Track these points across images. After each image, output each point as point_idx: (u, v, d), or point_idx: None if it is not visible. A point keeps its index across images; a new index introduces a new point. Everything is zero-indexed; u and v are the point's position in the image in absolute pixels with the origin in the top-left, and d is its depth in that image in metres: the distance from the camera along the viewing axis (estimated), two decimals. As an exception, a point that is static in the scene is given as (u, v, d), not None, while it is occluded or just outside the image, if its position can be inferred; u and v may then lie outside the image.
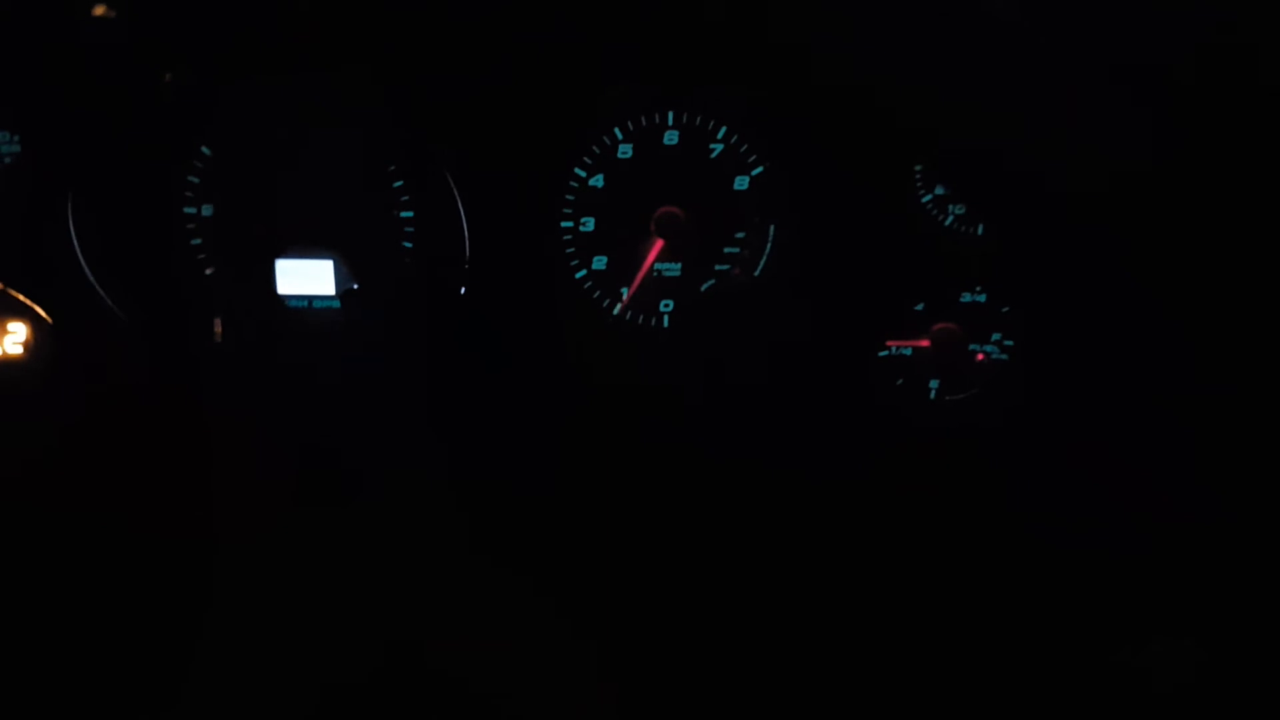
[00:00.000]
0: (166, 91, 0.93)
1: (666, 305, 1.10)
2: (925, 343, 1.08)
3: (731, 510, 1.06)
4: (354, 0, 0.93)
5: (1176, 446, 0.96)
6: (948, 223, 1.03)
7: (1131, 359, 0.99)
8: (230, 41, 0.95)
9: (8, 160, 0.97)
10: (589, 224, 1.07)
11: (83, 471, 1.00)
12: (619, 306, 1.09)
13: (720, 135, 1.04)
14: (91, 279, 0.98)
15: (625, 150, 1.04)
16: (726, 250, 1.08)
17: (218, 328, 1.02)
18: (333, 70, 0.97)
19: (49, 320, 1.00)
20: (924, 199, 1.03)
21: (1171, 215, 0.81)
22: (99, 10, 0.83)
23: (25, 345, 1.01)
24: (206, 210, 1.04)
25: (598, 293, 1.09)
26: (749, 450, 1.07)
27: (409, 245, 1.06)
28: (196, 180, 1.03)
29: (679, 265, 1.08)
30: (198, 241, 1.05)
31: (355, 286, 1.06)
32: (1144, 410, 0.99)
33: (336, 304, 1.07)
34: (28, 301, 0.99)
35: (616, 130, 1.03)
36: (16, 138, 0.96)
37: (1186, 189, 0.80)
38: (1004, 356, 1.08)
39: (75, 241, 0.98)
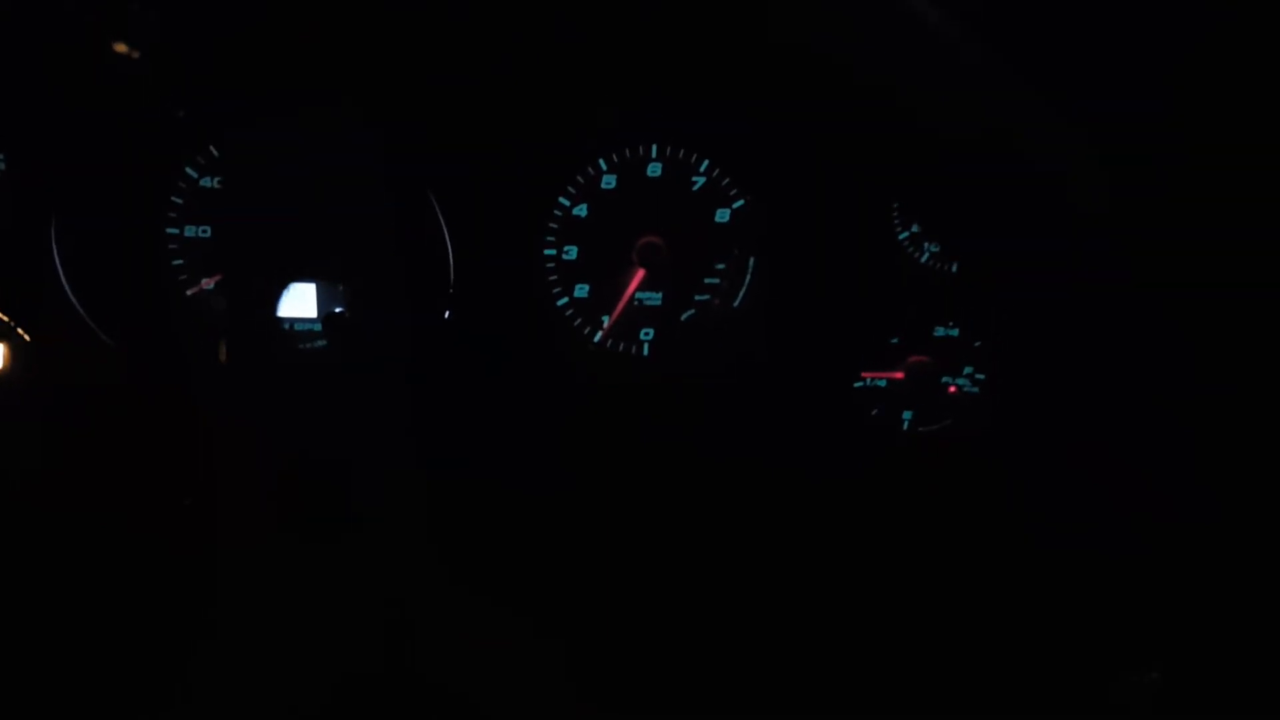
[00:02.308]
0: (178, 126, 0.93)
1: (647, 333, 1.12)
2: (900, 375, 1.10)
3: (714, 523, 1.08)
4: (344, 32, 0.94)
5: (1176, 447, 0.98)
6: (923, 260, 1.06)
7: (1123, 366, 1.00)
8: (231, 77, 0.95)
9: (-8, 178, 0.97)
10: (572, 252, 1.08)
11: (61, 490, 1.00)
12: (600, 334, 1.11)
13: (702, 169, 1.06)
14: (74, 300, 0.98)
15: (609, 181, 1.06)
16: (706, 281, 1.09)
17: (222, 350, 1.02)
18: (326, 102, 0.98)
19: (27, 339, 1.00)
20: (901, 236, 1.06)
21: (1167, 216, 0.82)
22: (120, 47, 0.84)
23: (4, 362, 1.00)
24: (190, 231, 1.04)
25: (579, 320, 1.11)
26: (728, 461, 1.08)
27: (394, 270, 1.06)
28: (180, 201, 1.03)
29: (660, 295, 1.10)
30: (179, 262, 1.05)
31: (338, 310, 1.06)
32: (1140, 414, 1.00)
33: (318, 327, 1.08)
34: (5, 319, 0.99)
35: (601, 161, 1.05)
36: (2, 156, 0.96)
37: (1184, 188, 0.82)
38: (975, 389, 1.11)
39: (58, 262, 0.97)
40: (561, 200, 1.06)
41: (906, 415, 1.12)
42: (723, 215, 1.07)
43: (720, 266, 1.09)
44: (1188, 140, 0.81)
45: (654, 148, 1.05)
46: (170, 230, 1.04)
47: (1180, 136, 0.81)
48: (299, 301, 1.07)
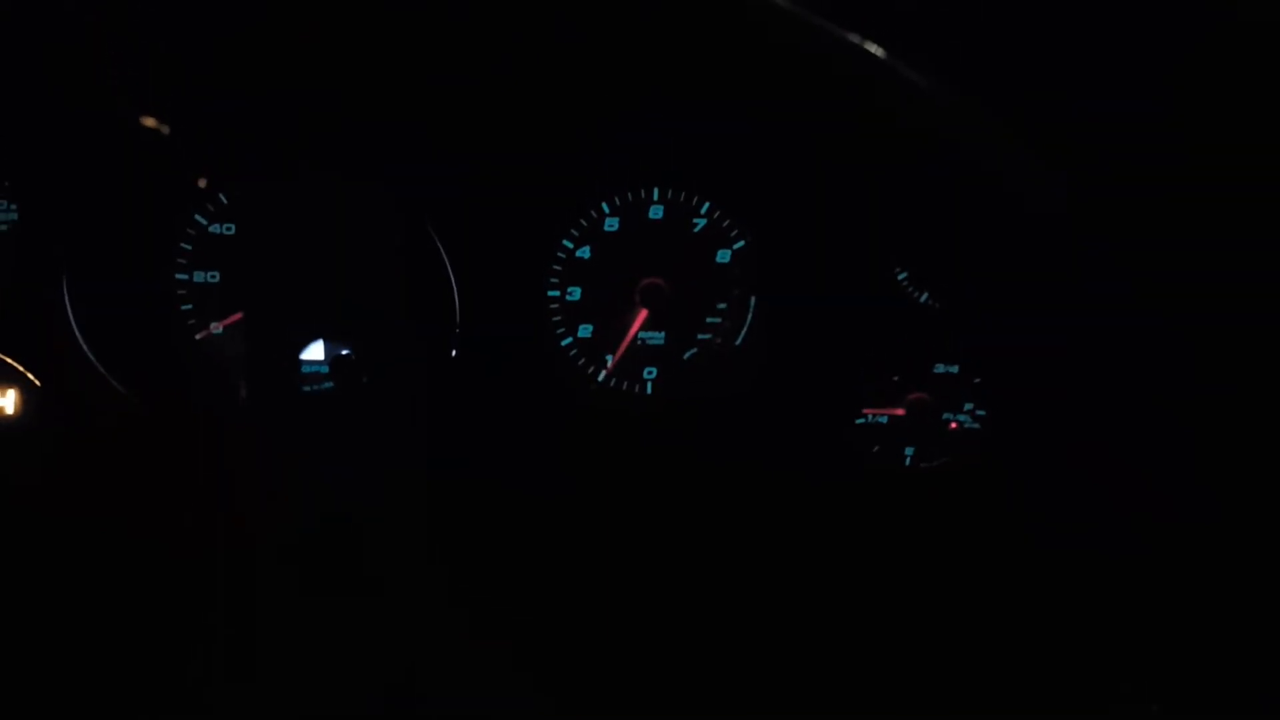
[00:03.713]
0: (199, 192, 0.95)
1: (650, 372, 1.13)
2: (901, 411, 1.11)
3: (718, 557, 1.09)
4: (346, 59, 0.95)
5: (1176, 448, 0.98)
6: (922, 298, 1.07)
7: (1122, 377, 1.00)
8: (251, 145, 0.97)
9: (4, 228, 0.98)
10: (575, 293, 1.09)
11: (70, 534, 1.01)
12: (603, 373, 1.12)
13: (703, 211, 1.07)
14: (85, 348, 0.99)
15: (612, 224, 1.07)
16: (708, 320, 1.11)
17: (242, 391, 1.04)
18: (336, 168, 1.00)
19: (37, 384, 1.01)
20: (900, 276, 1.07)
21: (1164, 221, 0.83)
22: (149, 122, 0.85)
23: (15, 407, 1.01)
24: (199, 277, 1.06)
25: (583, 360, 1.12)
26: (731, 496, 1.09)
27: (400, 312, 1.08)
28: (189, 248, 1.05)
29: (662, 334, 1.11)
30: (188, 307, 1.06)
31: (345, 352, 1.08)
32: (1141, 415, 1.00)
33: (325, 369, 1.09)
34: (17, 366, 1.00)
35: (604, 204, 1.07)
36: (14, 206, 0.98)
37: (1181, 192, 0.82)
38: (976, 425, 1.12)
39: (69, 308, 0.99)
40: (565, 243, 1.07)
41: (908, 451, 1.13)
42: (724, 256, 1.09)
43: (722, 306, 1.10)
44: (1187, 143, 0.82)
45: (655, 190, 1.06)
46: (179, 276, 1.05)
47: (1179, 139, 0.82)
48: (307, 344, 1.08)
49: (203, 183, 0.96)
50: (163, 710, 1.00)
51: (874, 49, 0.65)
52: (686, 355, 1.12)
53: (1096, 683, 1.03)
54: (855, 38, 0.65)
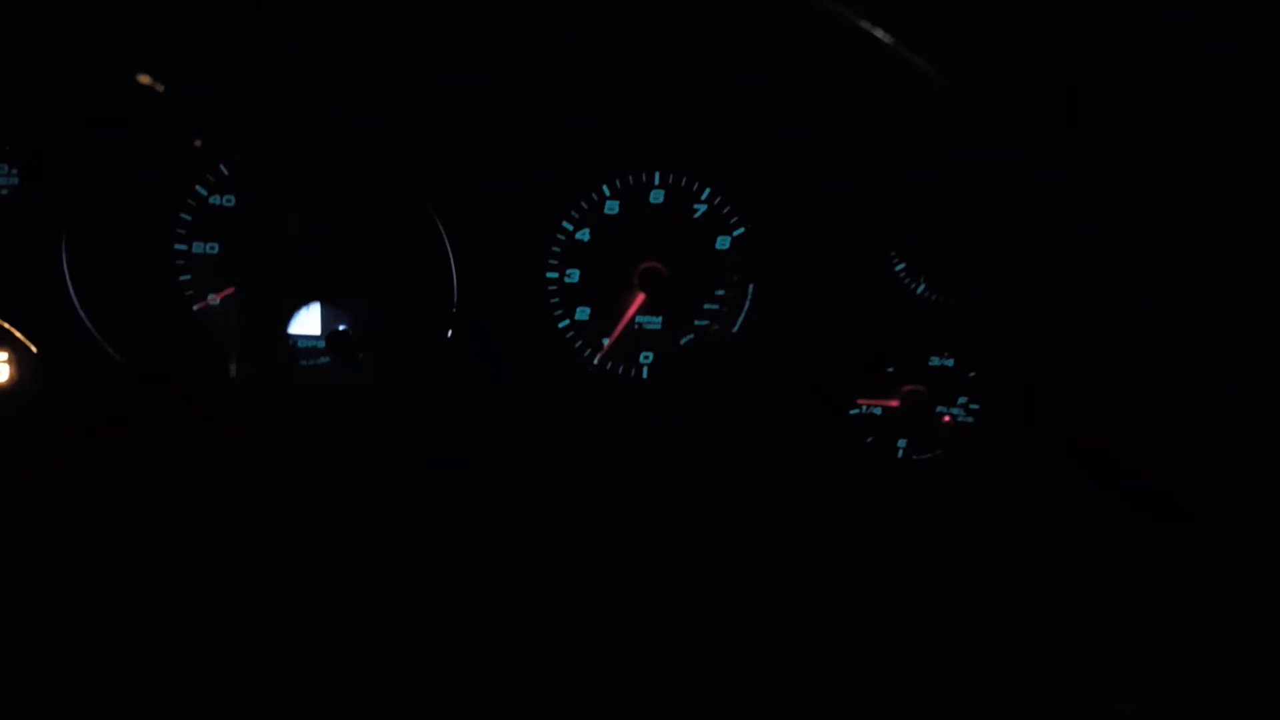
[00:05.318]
0: (196, 155, 0.95)
1: (646, 357, 1.13)
2: (895, 403, 1.11)
3: (710, 546, 1.09)
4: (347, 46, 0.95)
5: (1176, 446, 0.98)
6: (919, 290, 1.08)
7: (1121, 374, 1.01)
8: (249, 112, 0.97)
9: (4, 192, 0.98)
10: (574, 276, 1.10)
11: (65, 502, 1.01)
12: (599, 356, 1.12)
13: (704, 196, 1.07)
14: (83, 315, 1.00)
15: (612, 206, 1.07)
16: (706, 306, 1.11)
17: (230, 365, 1.04)
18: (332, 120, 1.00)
19: (33, 350, 1.01)
20: (897, 267, 1.07)
21: (1167, 217, 0.83)
22: (144, 79, 0.85)
23: (11, 374, 1.02)
24: (198, 248, 1.06)
25: (579, 342, 1.12)
26: (723, 485, 1.10)
27: (398, 289, 1.08)
28: (189, 218, 1.05)
29: (659, 319, 1.11)
30: (186, 278, 1.07)
31: (342, 328, 1.08)
32: (1142, 414, 1.01)
33: (322, 344, 1.09)
34: (11, 329, 1.00)
35: (605, 187, 1.07)
36: (15, 171, 0.98)
37: (1183, 188, 0.82)
38: (969, 419, 1.12)
39: (68, 276, 0.99)
40: (565, 224, 1.07)
41: (901, 443, 1.13)
42: (723, 242, 1.09)
43: (720, 293, 1.10)
44: (1188, 141, 0.82)
45: (656, 175, 1.06)
46: (178, 246, 1.05)
47: (1181, 137, 0.82)
48: (304, 319, 1.08)
49: (198, 142, 0.96)
50: (158, 685, 1.00)
51: (875, 43, 0.65)
52: (683, 341, 1.12)
53: (1089, 679, 1.03)
54: (857, 33, 0.65)
